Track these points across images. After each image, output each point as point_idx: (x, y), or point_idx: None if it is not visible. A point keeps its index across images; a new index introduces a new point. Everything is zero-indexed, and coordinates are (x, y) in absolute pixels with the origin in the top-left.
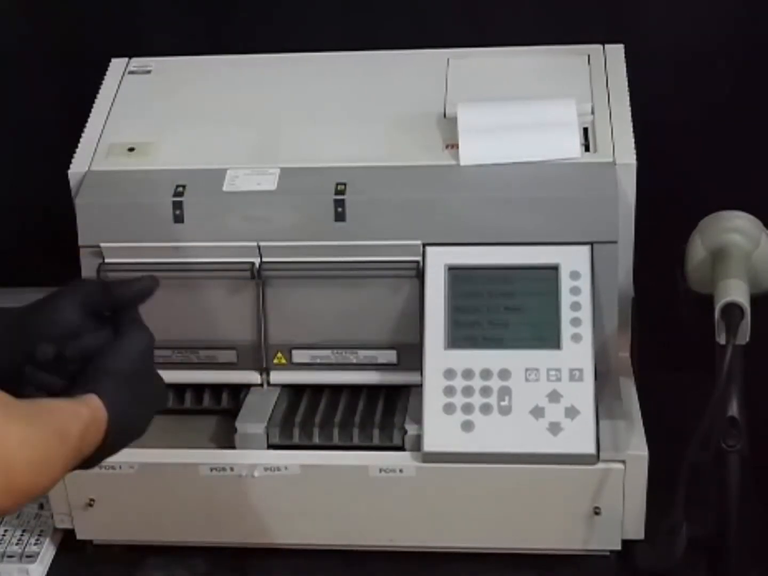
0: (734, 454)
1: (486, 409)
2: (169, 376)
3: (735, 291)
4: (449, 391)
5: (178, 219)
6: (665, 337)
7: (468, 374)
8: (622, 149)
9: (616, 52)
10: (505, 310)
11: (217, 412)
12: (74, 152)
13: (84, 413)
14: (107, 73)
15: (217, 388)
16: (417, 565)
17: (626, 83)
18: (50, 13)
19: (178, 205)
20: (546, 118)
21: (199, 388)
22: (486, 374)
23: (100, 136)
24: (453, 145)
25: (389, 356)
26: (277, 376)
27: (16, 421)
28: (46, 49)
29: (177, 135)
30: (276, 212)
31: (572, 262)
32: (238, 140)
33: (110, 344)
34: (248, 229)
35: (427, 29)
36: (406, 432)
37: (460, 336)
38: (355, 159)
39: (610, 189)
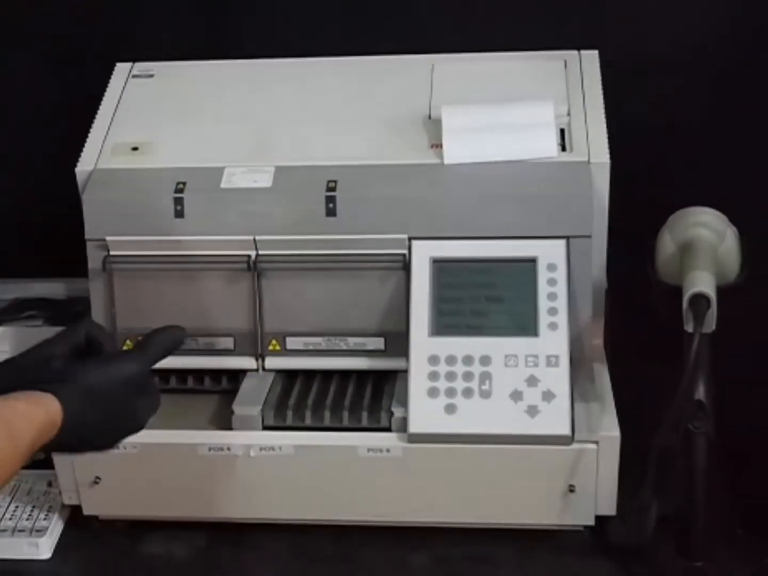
0: (701, 435)
1: (468, 392)
2: (171, 361)
3: (702, 282)
4: (433, 376)
5: (179, 214)
6: (637, 326)
7: (451, 360)
8: (596, 149)
9: (591, 57)
10: (486, 300)
11: (217, 392)
12: (81, 151)
13: (39, 417)
14: (112, 76)
15: (216, 374)
16: (402, 539)
17: (600, 86)
18: (59, 20)
19: (178, 201)
20: (525, 119)
21: (199, 374)
22: (468, 360)
23: (106, 136)
24: (437, 145)
25: (377, 343)
26: (272, 362)
27: None
28: (55, 54)
29: (178, 135)
30: (271, 208)
31: (549, 255)
32: (236, 140)
33: (97, 362)
34: (245, 224)
35: (414, 36)
36: (392, 414)
37: (443, 324)
38: (345, 158)
39: (585, 186)
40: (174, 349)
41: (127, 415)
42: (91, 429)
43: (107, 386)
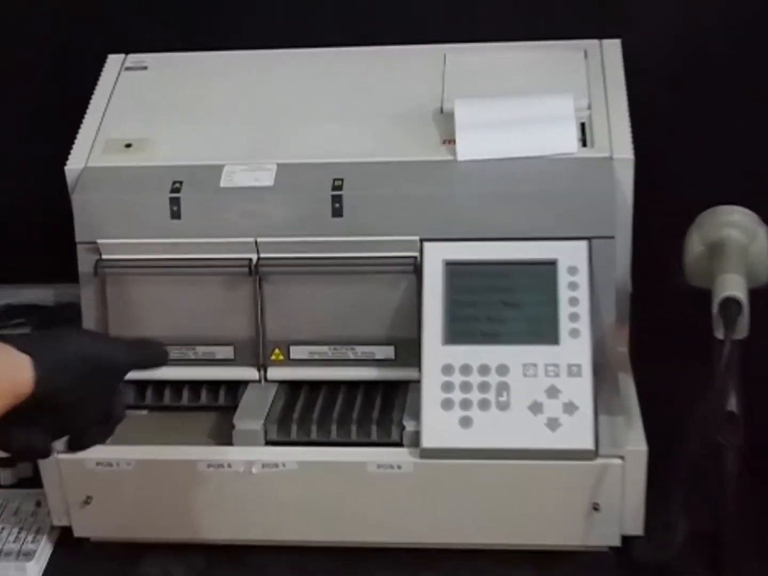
0: (732, 448)
1: (484, 404)
2: (167, 372)
3: (733, 286)
4: (447, 386)
5: (175, 215)
6: (663, 332)
7: (466, 370)
8: (619, 144)
9: (613, 47)
10: (503, 305)
11: (215, 409)
12: (71, 148)
13: (5, 390)
14: (104, 69)
15: (214, 385)
16: (415, 562)
17: (623, 78)
18: (47, 11)
19: (175, 201)
20: (543, 113)
21: (196, 385)
22: (484, 370)
23: (97, 132)
24: (450, 141)
25: (387, 352)
26: (275, 373)
27: None
28: (42, 45)
29: (174, 131)
30: (273, 208)
31: (570, 258)
32: (235, 136)
33: (80, 334)
34: (245, 225)
35: (424, 24)
36: (404, 428)
37: (458, 331)
38: (352, 155)
39: (608, 184)
40: (153, 368)
41: (101, 403)
42: (62, 401)
43: (85, 364)
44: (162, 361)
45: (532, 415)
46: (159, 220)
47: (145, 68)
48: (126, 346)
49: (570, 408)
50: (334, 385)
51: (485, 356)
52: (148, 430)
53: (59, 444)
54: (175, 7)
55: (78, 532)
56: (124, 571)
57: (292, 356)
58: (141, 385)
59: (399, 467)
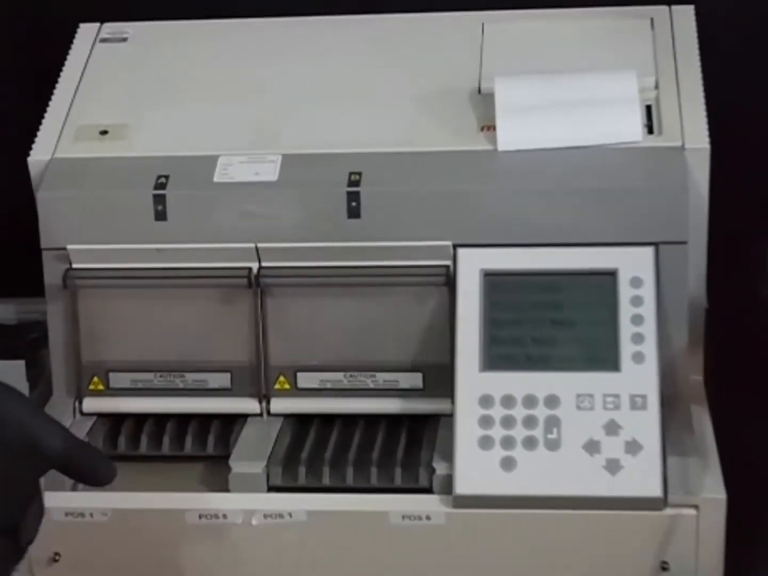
0: None
1: (530, 443)
2: (151, 404)
3: None
4: (486, 421)
5: (160, 216)
6: (744, 356)
7: (508, 401)
8: (692, 131)
9: (686, 14)
10: (552, 324)
11: (203, 458)
12: (35, 136)
13: None
14: (74, 41)
15: (202, 430)
16: None
17: (697, 52)
18: None
19: (159, 200)
20: (600, 94)
21: (179, 432)
22: (530, 401)
23: (66, 116)
24: (489, 127)
25: (413, 380)
26: (279, 404)
27: None
28: (1, 14)
29: (158, 115)
30: (277, 208)
31: (633, 267)
32: (232, 121)
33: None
34: (244, 228)
35: None
36: (434, 471)
37: (498, 355)
38: (372, 144)
39: (679, 179)
40: (88, 483)
41: (11, 500)
42: None
43: (11, 439)
44: (104, 482)
45: (588, 455)
46: (140, 222)
47: (123, 40)
48: (67, 438)
49: (633, 447)
50: (350, 420)
51: (531, 385)
52: (126, 474)
53: None
54: None
55: None
56: None
57: (299, 385)
58: (116, 419)
59: (428, 518)
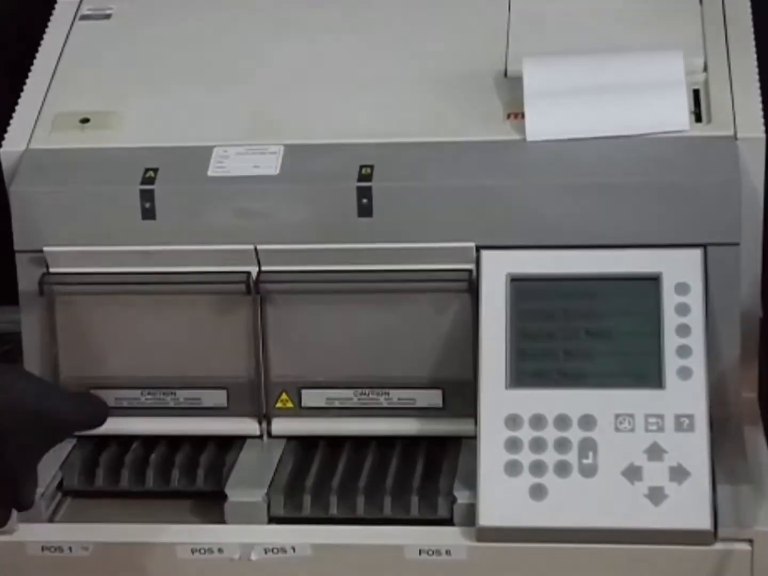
0: None
1: (563, 468)
2: (137, 425)
3: None
4: (513, 444)
5: (148, 214)
6: None
7: (538, 422)
8: (746, 119)
9: None
10: (587, 335)
11: (191, 495)
12: (8, 124)
13: None
14: (51, 18)
15: (194, 455)
16: None
17: (752, 30)
18: None
19: (147, 196)
20: (642, 77)
21: (167, 459)
22: (562, 422)
23: (43, 102)
24: (517, 114)
25: (432, 398)
26: (282, 425)
27: None
28: None
29: (146, 101)
30: (279, 205)
31: (678, 271)
32: (228, 107)
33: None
34: (242, 228)
35: None
36: (455, 500)
37: (527, 370)
38: (385, 133)
39: (731, 172)
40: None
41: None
42: None
43: (23, 417)
44: (101, 421)
45: (628, 483)
46: (126, 220)
47: (107, 16)
48: (74, 402)
49: (679, 474)
50: (360, 443)
51: (564, 404)
52: (108, 506)
53: None
54: None
55: None
56: None
57: (304, 403)
58: (98, 442)
59: (448, 553)
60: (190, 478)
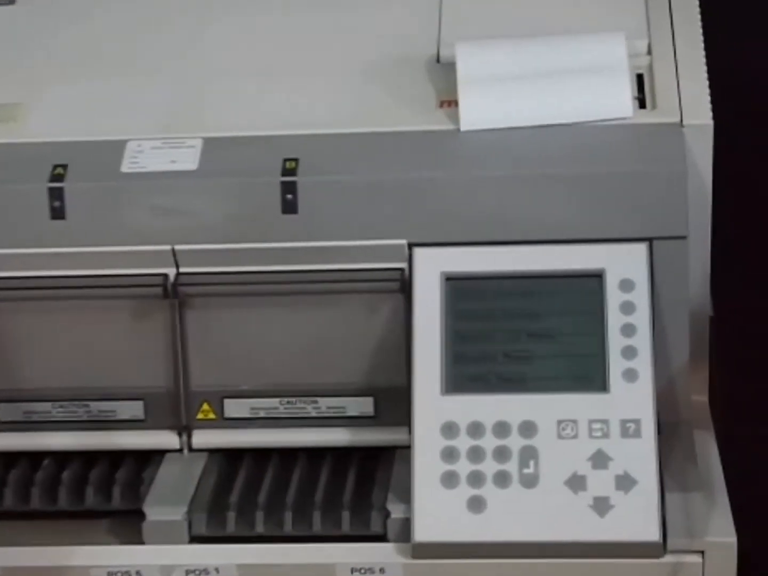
0: None
1: (502, 479)
2: (48, 440)
3: None
4: (449, 454)
5: (57, 213)
6: (757, 373)
7: (476, 430)
8: (692, 105)
9: None
10: (527, 336)
11: (107, 514)
12: None
13: None
14: None
15: (110, 473)
16: None
17: (698, 11)
18: None
19: (56, 194)
20: (582, 61)
21: (81, 476)
22: (502, 429)
23: None
24: (450, 102)
25: (363, 406)
26: (203, 438)
27: None
28: None
29: (55, 92)
30: (198, 202)
31: (623, 267)
32: (143, 98)
33: None
34: (159, 228)
35: None
36: (388, 514)
37: (463, 375)
38: (310, 124)
39: (677, 161)
40: None
41: None
42: None
43: None
44: None
45: (572, 493)
46: (34, 221)
47: (11, 2)
48: None
49: (625, 482)
50: (288, 455)
51: (503, 410)
52: (20, 526)
53: None
54: None
55: None
56: None
57: (227, 414)
58: (6, 460)
59: (382, 570)
60: (105, 496)
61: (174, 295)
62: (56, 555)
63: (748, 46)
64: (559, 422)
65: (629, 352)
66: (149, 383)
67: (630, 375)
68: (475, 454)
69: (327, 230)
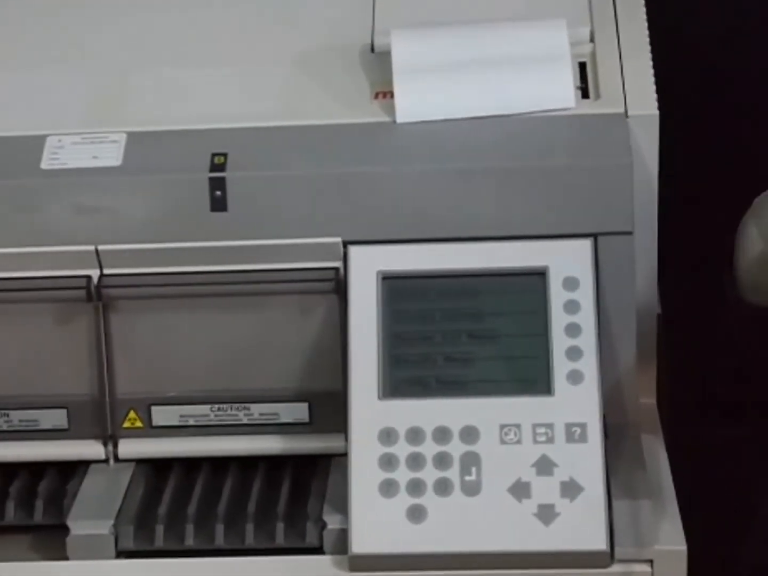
0: None
1: (443, 487)
2: None
3: None
4: (388, 462)
5: None
6: (706, 373)
7: (415, 436)
8: (637, 94)
9: None
10: (468, 338)
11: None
12: None
13: None
14: None
15: (32, 485)
16: None
17: None
18: None
19: None
20: (522, 50)
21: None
22: (442, 435)
23: None
24: (385, 94)
25: (297, 412)
26: (130, 447)
27: None
28: None
29: None
30: (122, 200)
31: (566, 265)
32: (63, 91)
33: None
34: (81, 227)
35: None
36: (324, 526)
37: (401, 378)
38: (239, 117)
39: (622, 154)
40: None
41: None
42: None
43: None
44: None
45: (516, 501)
46: None
47: None
48: None
49: (571, 489)
50: (219, 465)
51: (443, 415)
52: None
53: None
54: None
55: None
56: None
57: (154, 422)
58: None
59: None
60: (27, 511)
61: (98, 297)
62: None
63: (695, 31)
64: (502, 427)
65: (574, 353)
66: (72, 390)
67: (575, 377)
68: (415, 461)
69: (258, 228)
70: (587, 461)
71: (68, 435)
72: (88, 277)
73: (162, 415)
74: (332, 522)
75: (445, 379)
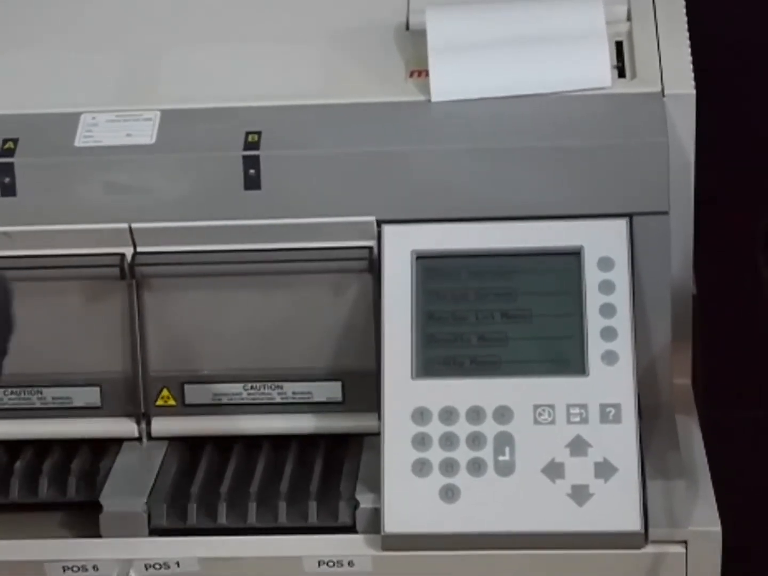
0: None
1: (476, 467)
2: (1, 428)
3: None
4: (421, 441)
5: (8, 191)
6: (741, 354)
7: (448, 416)
8: (674, 73)
9: None
10: (502, 317)
11: (62, 506)
12: None
13: None
14: None
15: (65, 463)
16: None
17: None
18: None
19: (6, 169)
20: (559, 28)
21: (34, 467)
22: (475, 415)
23: None
24: (420, 72)
25: (331, 391)
26: (163, 425)
27: None
28: None
29: (3, 63)
30: (156, 178)
31: (601, 245)
32: (97, 69)
33: None
34: (115, 205)
35: None
36: (357, 505)
37: (435, 358)
38: (273, 95)
39: (658, 133)
40: None
41: None
42: None
43: None
44: None
45: (549, 481)
46: None
47: None
48: None
49: (605, 470)
50: (252, 443)
51: (477, 395)
52: None
53: None
54: None
55: None
56: None
57: (187, 400)
58: None
59: (351, 563)
60: (60, 488)
61: (131, 275)
62: (8, 549)
63: (732, 12)
64: (536, 407)
65: (609, 334)
66: (106, 368)
67: (610, 357)
68: (448, 441)
69: (291, 207)
70: (621, 442)
71: (101, 413)
72: (122, 255)
73: (195, 394)
74: (365, 501)
75: (479, 359)
